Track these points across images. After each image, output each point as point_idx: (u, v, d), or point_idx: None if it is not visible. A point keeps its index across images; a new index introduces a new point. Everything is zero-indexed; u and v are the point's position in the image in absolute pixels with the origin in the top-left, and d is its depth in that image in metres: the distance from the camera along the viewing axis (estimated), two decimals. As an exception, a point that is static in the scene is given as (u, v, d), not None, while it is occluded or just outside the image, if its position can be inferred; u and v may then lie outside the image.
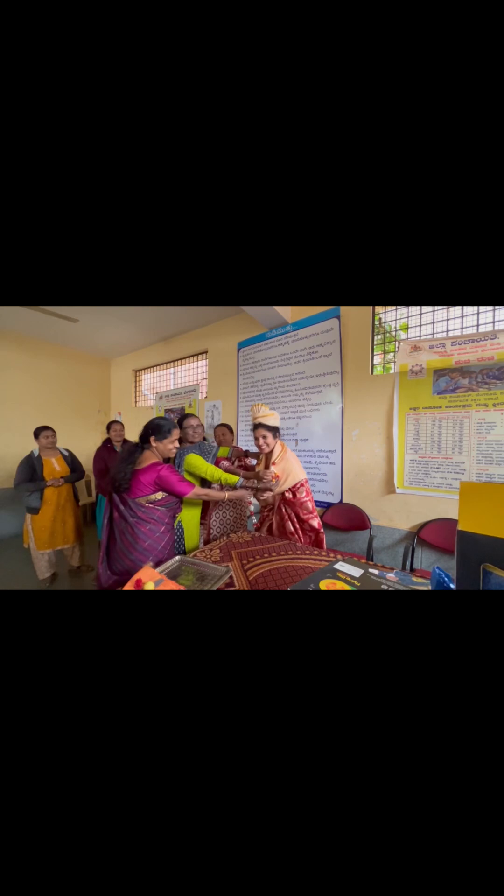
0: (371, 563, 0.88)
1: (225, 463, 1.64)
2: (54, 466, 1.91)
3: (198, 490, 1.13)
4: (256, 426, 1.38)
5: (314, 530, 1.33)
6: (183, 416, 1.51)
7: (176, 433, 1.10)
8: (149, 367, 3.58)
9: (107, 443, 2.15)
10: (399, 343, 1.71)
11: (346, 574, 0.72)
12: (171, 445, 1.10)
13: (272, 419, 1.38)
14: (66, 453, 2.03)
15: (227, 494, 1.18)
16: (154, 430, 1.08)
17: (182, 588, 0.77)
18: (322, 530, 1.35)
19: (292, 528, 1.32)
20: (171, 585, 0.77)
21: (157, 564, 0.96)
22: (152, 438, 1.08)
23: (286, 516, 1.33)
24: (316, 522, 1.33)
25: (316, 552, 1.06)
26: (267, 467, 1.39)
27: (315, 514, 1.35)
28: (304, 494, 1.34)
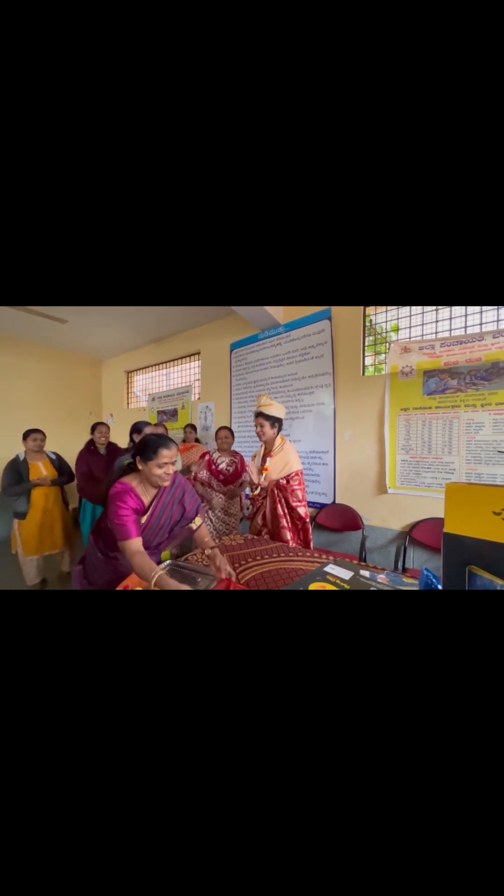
0: (363, 563, 0.88)
1: (203, 474, 1.64)
2: (41, 470, 1.87)
3: (129, 549, 0.77)
4: (257, 415, 1.41)
5: (301, 519, 1.37)
6: (139, 424, 1.47)
7: (165, 454, 0.81)
8: (141, 369, 3.54)
9: (90, 445, 2.10)
10: (390, 344, 1.73)
11: (336, 577, 0.72)
12: (158, 471, 0.82)
13: (274, 409, 1.41)
14: (54, 456, 1.99)
15: (153, 580, 0.73)
16: (140, 448, 0.84)
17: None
18: (308, 520, 1.38)
19: (282, 513, 1.36)
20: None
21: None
22: (138, 459, 0.84)
23: (278, 499, 1.37)
24: (303, 511, 1.37)
25: (308, 554, 1.05)
26: (264, 460, 1.41)
27: (304, 503, 1.38)
28: (296, 483, 1.37)
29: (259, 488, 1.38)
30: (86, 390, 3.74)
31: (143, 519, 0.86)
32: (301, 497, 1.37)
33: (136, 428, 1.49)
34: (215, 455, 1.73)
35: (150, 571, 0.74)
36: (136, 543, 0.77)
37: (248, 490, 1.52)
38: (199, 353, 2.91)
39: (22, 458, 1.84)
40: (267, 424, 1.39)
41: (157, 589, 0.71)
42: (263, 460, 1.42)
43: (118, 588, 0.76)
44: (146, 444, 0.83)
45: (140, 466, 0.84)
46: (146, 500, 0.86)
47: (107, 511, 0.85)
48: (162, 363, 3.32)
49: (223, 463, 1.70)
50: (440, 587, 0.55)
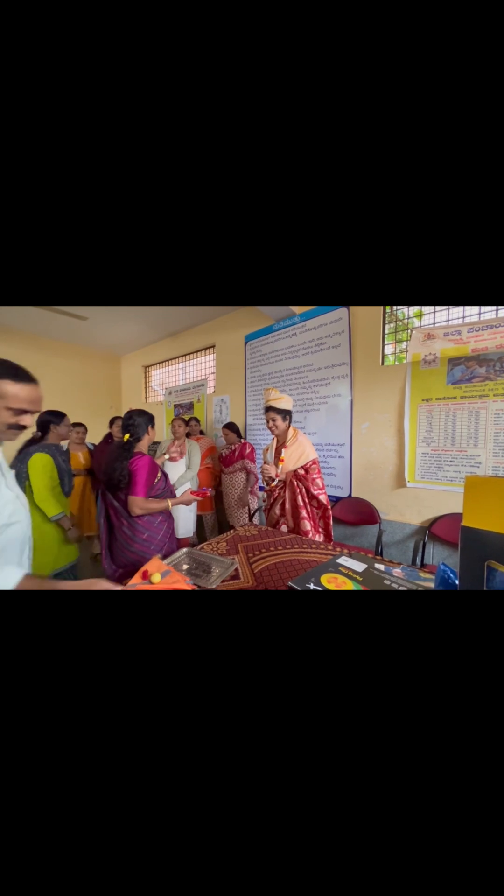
0: (378, 557, 0.87)
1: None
2: (80, 459, 2.05)
3: (140, 501, 1.07)
4: (267, 409, 1.41)
5: (322, 506, 1.36)
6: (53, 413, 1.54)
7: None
8: (158, 363, 3.61)
9: (108, 438, 2.21)
10: (412, 331, 1.64)
11: (349, 569, 0.72)
12: (153, 432, 1.21)
13: (283, 402, 1.40)
14: (92, 447, 2.13)
15: (169, 503, 1.15)
16: (143, 423, 1.17)
17: (187, 579, 0.79)
18: (329, 507, 1.38)
19: (302, 503, 1.35)
20: (177, 577, 0.79)
21: (164, 556, 0.98)
22: (150, 427, 1.18)
23: (298, 490, 1.36)
24: (324, 499, 1.36)
25: (322, 546, 1.05)
26: (278, 452, 1.41)
27: (324, 490, 1.38)
28: (315, 472, 1.37)
29: (276, 479, 1.39)
30: (106, 385, 3.88)
31: (160, 473, 1.17)
32: (321, 485, 1.37)
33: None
34: (221, 445, 2.20)
35: (163, 502, 1.12)
36: (141, 501, 1.10)
37: (262, 483, 1.53)
38: (213, 347, 2.92)
39: (65, 447, 1.98)
40: (279, 418, 1.39)
41: (174, 506, 1.18)
42: (278, 452, 1.42)
43: (139, 573, 0.80)
44: (147, 418, 1.17)
45: (149, 434, 1.17)
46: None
47: (132, 476, 1.09)
48: (178, 357, 3.36)
49: (222, 450, 2.22)
50: (457, 583, 0.53)
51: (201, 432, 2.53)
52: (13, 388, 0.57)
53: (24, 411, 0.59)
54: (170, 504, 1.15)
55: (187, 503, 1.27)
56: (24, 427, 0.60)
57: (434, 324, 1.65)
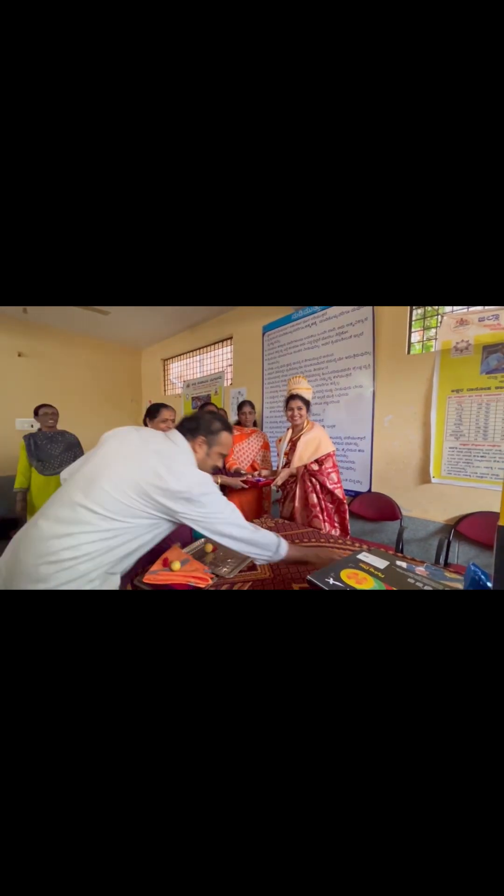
0: (400, 555, 0.84)
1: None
2: None
3: None
4: (293, 397, 1.38)
5: (337, 501, 1.32)
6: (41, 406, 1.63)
7: (164, 413, 1.21)
8: (176, 356, 3.65)
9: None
10: (442, 317, 1.53)
11: (370, 565, 0.70)
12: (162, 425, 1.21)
13: (308, 393, 1.41)
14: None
15: (219, 480, 1.34)
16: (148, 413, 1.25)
17: (206, 568, 0.80)
18: (346, 501, 1.34)
19: (315, 500, 1.31)
20: (196, 565, 0.81)
21: (183, 545, 1.01)
22: (147, 420, 1.25)
23: (310, 487, 1.32)
24: (340, 493, 1.32)
25: (341, 541, 1.03)
26: (293, 444, 1.39)
27: (340, 485, 1.33)
28: (330, 465, 1.33)
29: (286, 474, 1.37)
30: (127, 378, 3.99)
31: None
32: (336, 480, 1.33)
33: None
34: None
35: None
36: None
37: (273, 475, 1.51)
38: (231, 338, 2.90)
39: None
40: (305, 407, 1.37)
41: (221, 484, 1.31)
42: (293, 444, 1.40)
43: (159, 560, 0.83)
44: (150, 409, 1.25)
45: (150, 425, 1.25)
46: None
47: None
48: (196, 349, 3.37)
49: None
50: (490, 585, 0.50)
51: (254, 423, 2.45)
52: (227, 438, 0.71)
53: (224, 455, 0.73)
54: (219, 480, 1.32)
55: (234, 485, 1.38)
56: (220, 469, 0.82)
57: (468, 308, 1.52)
